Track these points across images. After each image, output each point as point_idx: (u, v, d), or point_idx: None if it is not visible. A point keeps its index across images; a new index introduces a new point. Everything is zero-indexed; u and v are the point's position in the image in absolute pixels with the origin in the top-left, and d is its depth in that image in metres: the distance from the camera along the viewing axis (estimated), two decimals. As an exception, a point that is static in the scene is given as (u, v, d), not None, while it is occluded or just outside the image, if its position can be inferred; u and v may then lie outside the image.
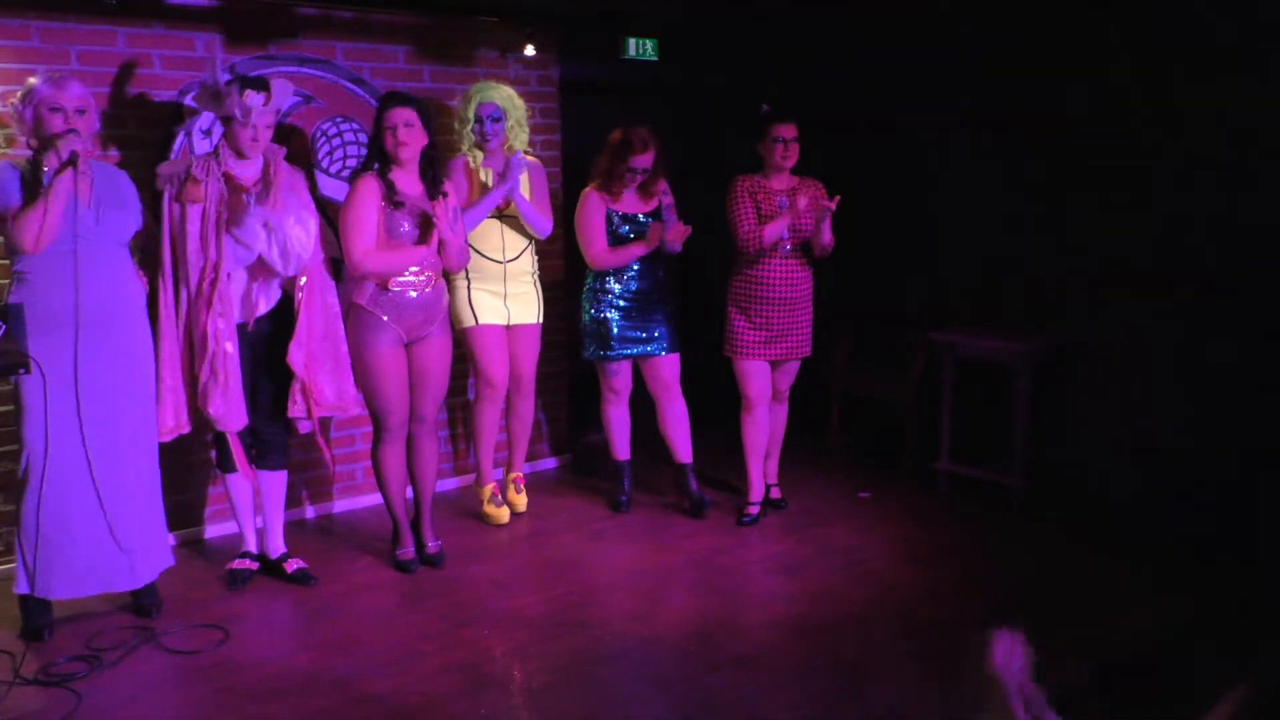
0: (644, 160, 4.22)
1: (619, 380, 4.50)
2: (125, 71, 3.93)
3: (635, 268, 4.36)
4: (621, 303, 4.37)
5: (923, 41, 5.16)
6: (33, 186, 3.15)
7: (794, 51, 5.64)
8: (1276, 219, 3.93)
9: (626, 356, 4.41)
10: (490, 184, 4.23)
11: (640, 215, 4.33)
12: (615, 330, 4.36)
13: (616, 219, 4.30)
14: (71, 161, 3.13)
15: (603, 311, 4.37)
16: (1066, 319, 4.69)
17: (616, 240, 4.31)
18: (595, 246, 4.31)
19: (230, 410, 3.55)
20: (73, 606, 3.50)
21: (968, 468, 4.76)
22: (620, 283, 4.36)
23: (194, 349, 3.55)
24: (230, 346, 3.53)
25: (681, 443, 4.55)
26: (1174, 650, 3.27)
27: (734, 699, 3.02)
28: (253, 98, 3.49)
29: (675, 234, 4.25)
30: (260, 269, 3.60)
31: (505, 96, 4.25)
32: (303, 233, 3.56)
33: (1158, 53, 4.25)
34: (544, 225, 4.38)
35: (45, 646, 3.31)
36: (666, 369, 4.47)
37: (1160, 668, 3.15)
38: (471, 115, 4.19)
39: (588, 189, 4.35)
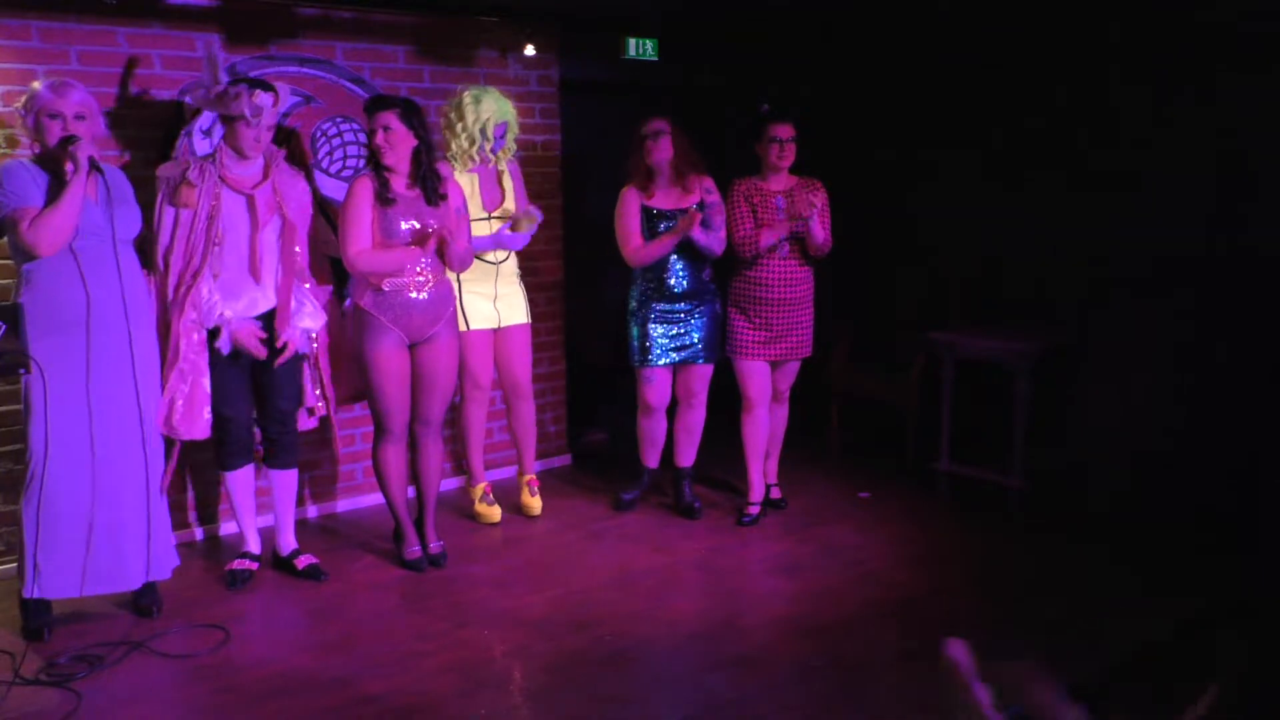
0: (655, 124, 4.19)
1: (653, 394, 4.43)
2: (125, 71, 3.92)
3: (679, 269, 4.30)
4: (664, 306, 4.33)
5: (923, 40, 5.16)
6: (53, 190, 3.16)
7: (793, 51, 5.64)
8: (1276, 219, 3.93)
9: (665, 364, 4.38)
10: (476, 190, 4.19)
11: (675, 210, 4.24)
12: (654, 338, 4.34)
13: (653, 214, 4.26)
14: (95, 167, 3.15)
15: (646, 320, 4.33)
16: (1066, 319, 4.68)
17: (654, 237, 4.26)
18: (630, 243, 4.27)
19: (191, 420, 3.54)
20: (73, 606, 3.50)
21: (968, 468, 4.77)
22: (664, 285, 4.31)
23: (165, 356, 3.53)
24: (201, 356, 3.53)
25: (686, 448, 4.56)
26: (1173, 650, 3.26)
27: (734, 699, 3.02)
28: (263, 98, 3.50)
29: (682, 226, 4.12)
30: (258, 269, 3.61)
31: (511, 112, 4.23)
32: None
33: (1158, 52, 4.25)
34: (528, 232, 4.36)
35: (45, 646, 3.31)
36: (698, 378, 4.45)
37: (1160, 668, 3.15)
38: (488, 134, 4.13)
39: (623, 189, 4.32)
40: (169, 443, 3.58)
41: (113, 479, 3.32)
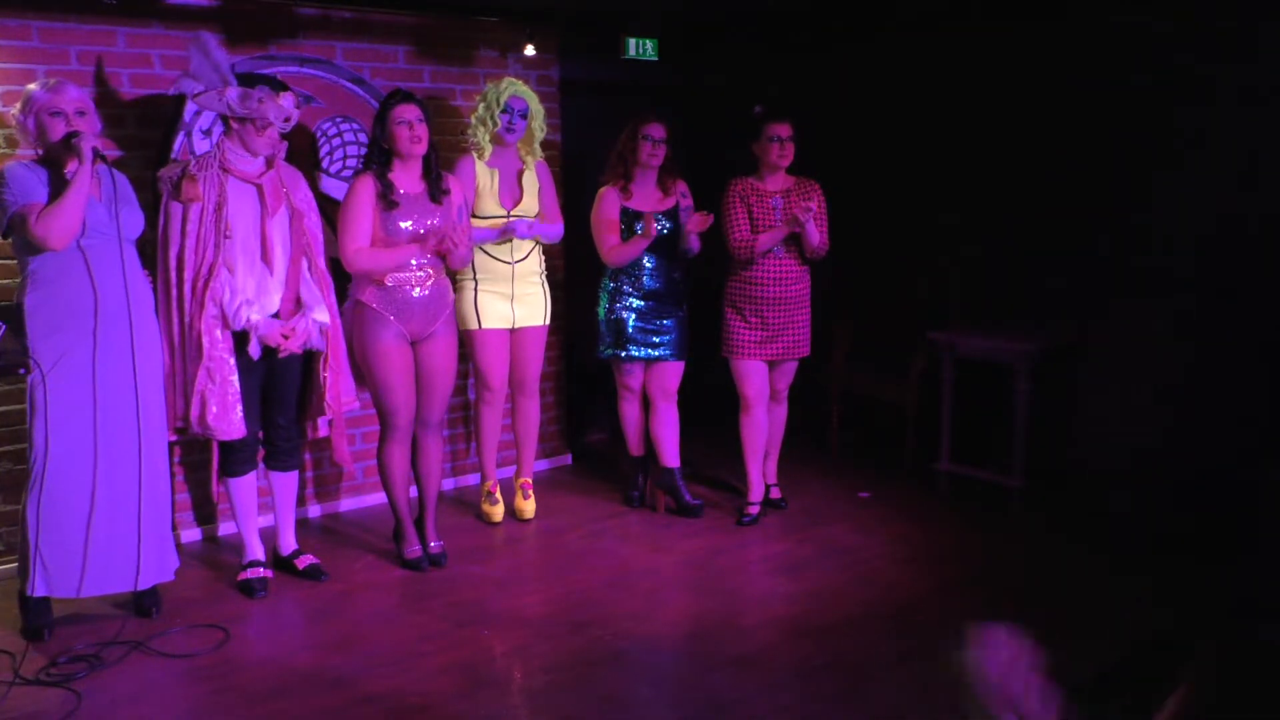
0: (655, 129, 4.24)
1: (634, 379, 4.52)
2: (125, 71, 3.92)
3: (651, 268, 4.36)
4: (637, 303, 4.37)
5: (922, 39, 5.16)
6: (57, 186, 3.17)
7: (793, 51, 5.64)
8: (1277, 220, 3.93)
9: (638, 359, 4.42)
10: (495, 185, 4.23)
11: (654, 213, 4.28)
12: (630, 330, 4.38)
13: (631, 215, 4.30)
14: (100, 156, 3.15)
15: (619, 311, 4.38)
16: (1066, 319, 4.68)
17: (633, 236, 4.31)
18: (608, 242, 4.32)
19: (228, 420, 3.53)
20: (73, 606, 3.50)
21: (968, 468, 4.76)
22: (637, 283, 4.37)
23: (187, 354, 3.52)
24: (227, 354, 3.51)
25: (671, 447, 4.55)
26: (1172, 651, 3.26)
27: (734, 699, 3.02)
28: (286, 99, 3.52)
29: (694, 224, 4.21)
30: (270, 258, 3.59)
31: (535, 99, 4.28)
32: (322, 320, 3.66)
33: (1155, 53, 4.24)
34: (556, 233, 4.42)
35: (45, 646, 3.31)
36: (670, 375, 4.48)
37: (1158, 668, 3.14)
38: (501, 104, 4.16)
39: (603, 188, 4.36)
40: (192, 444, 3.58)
41: (112, 479, 3.32)
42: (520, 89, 4.23)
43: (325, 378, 3.74)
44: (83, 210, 3.14)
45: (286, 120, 3.50)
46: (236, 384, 3.53)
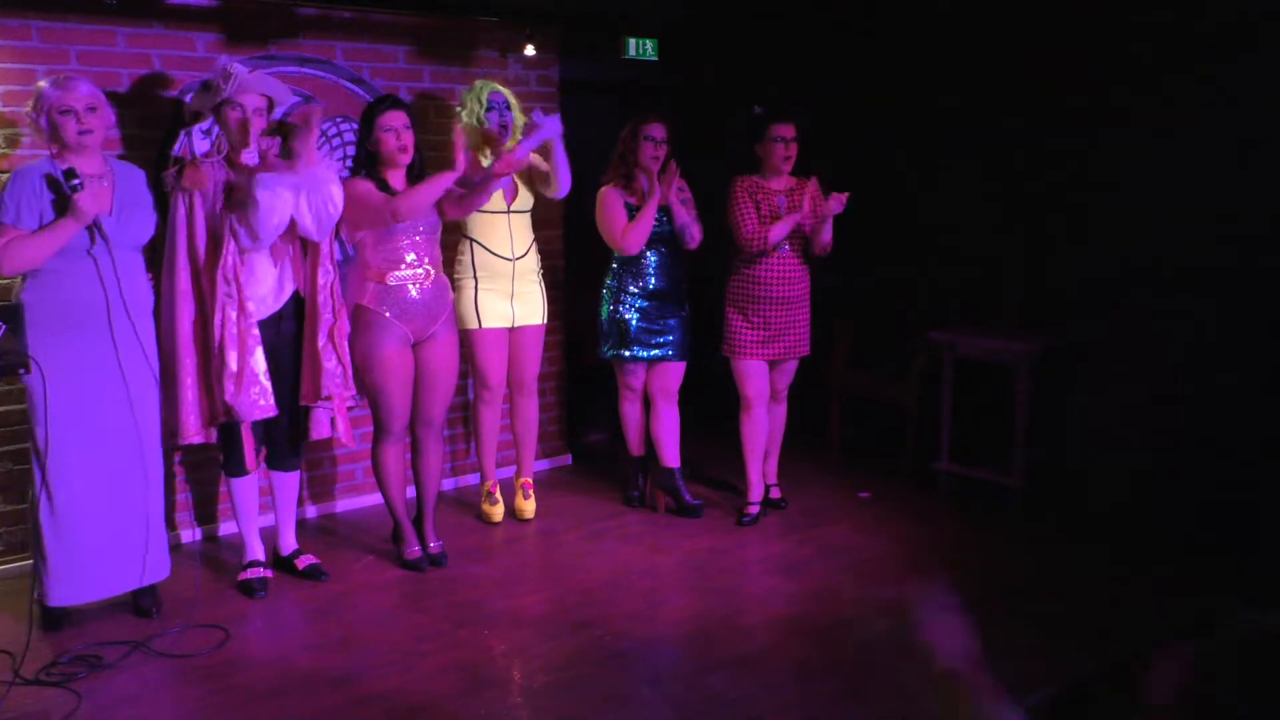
0: (657, 130, 4.24)
1: (635, 379, 4.52)
2: (125, 71, 3.92)
3: (654, 267, 4.36)
4: (640, 302, 4.37)
5: (923, 40, 5.17)
6: (60, 207, 3.17)
7: (793, 51, 5.64)
8: (1276, 219, 3.93)
9: (642, 359, 4.42)
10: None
11: (651, 193, 4.27)
12: (633, 330, 4.38)
13: (634, 210, 4.29)
14: (98, 229, 3.20)
15: (621, 311, 4.38)
16: (1066, 319, 4.68)
17: None
18: (616, 229, 4.29)
19: (242, 399, 3.48)
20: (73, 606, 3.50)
21: (968, 468, 4.76)
22: (640, 282, 4.37)
23: (211, 342, 3.48)
24: (246, 333, 3.47)
25: (672, 447, 4.55)
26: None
27: (734, 699, 3.02)
28: (237, 65, 3.49)
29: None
30: (275, 261, 3.59)
31: (506, 89, 4.27)
32: (338, 191, 3.54)
33: (1152, 54, 4.25)
34: (568, 181, 4.29)
35: (45, 646, 3.31)
36: (672, 375, 4.48)
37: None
38: (484, 103, 4.14)
39: (603, 188, 4.35)
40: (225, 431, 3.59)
41: (98, 481, 3.31)
42: (491, 85, 4.21)
43: (328, 347, 3.64)
44: (48, 257, 3.15)
45: (228, 78, 3.42)
46: (253, 365, 3.48)
